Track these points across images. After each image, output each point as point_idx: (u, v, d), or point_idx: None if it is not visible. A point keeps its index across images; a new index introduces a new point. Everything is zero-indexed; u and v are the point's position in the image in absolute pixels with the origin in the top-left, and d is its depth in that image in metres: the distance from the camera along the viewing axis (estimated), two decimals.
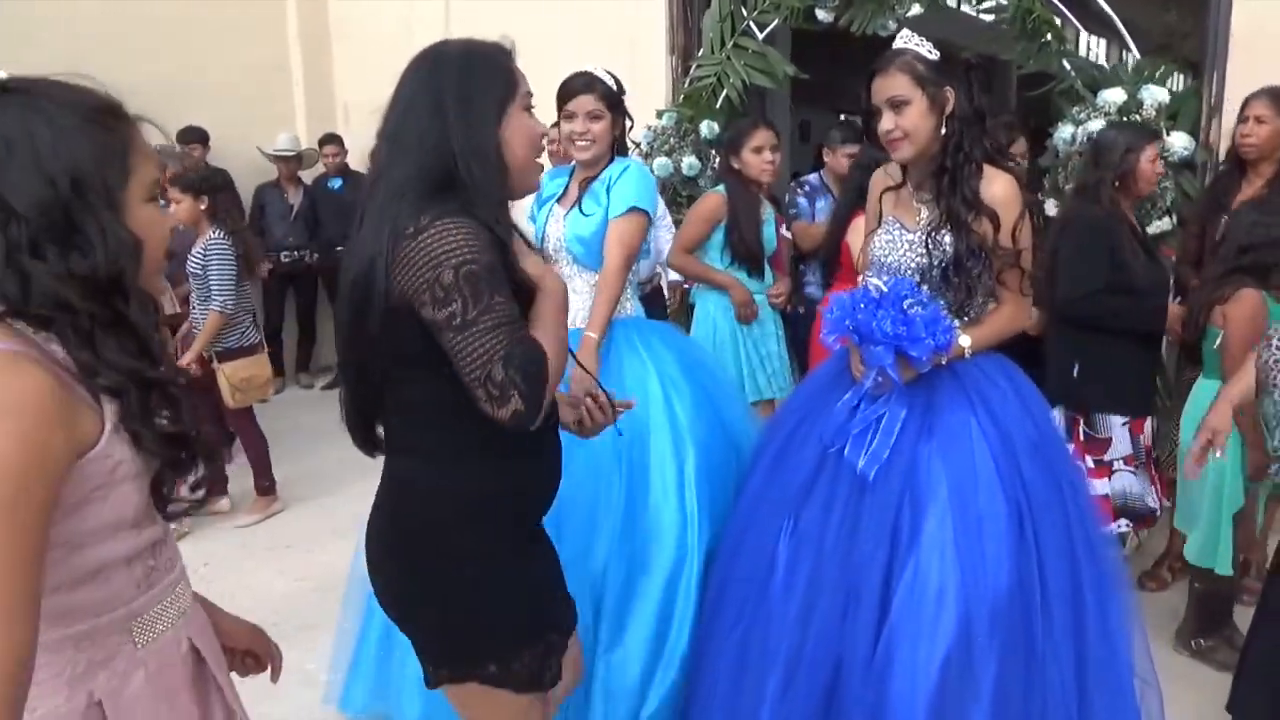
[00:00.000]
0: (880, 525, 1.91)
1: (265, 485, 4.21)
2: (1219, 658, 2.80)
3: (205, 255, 3.92)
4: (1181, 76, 4.08)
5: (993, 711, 1.75)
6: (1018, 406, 2.00)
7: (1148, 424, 2.94)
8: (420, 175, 1.35)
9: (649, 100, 4.84)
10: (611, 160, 2.50)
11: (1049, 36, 3.65)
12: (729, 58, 4.35)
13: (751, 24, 4.33)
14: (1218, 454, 2.13)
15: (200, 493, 1.17)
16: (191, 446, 1.06)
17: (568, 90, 2.46)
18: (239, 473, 4.28)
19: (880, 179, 2.21)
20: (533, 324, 1.37)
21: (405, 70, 1.49)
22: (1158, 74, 3.62)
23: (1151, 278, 2.89)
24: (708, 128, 4.42)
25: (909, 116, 1.94)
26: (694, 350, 2.65)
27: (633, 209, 2.38)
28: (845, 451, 1.97)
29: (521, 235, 1.46)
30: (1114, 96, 3.51)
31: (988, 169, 1.98)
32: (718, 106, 4.45)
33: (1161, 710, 2.01)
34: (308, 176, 6.23)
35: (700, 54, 4.57)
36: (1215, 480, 2.68)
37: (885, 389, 1.97)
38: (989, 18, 3.83)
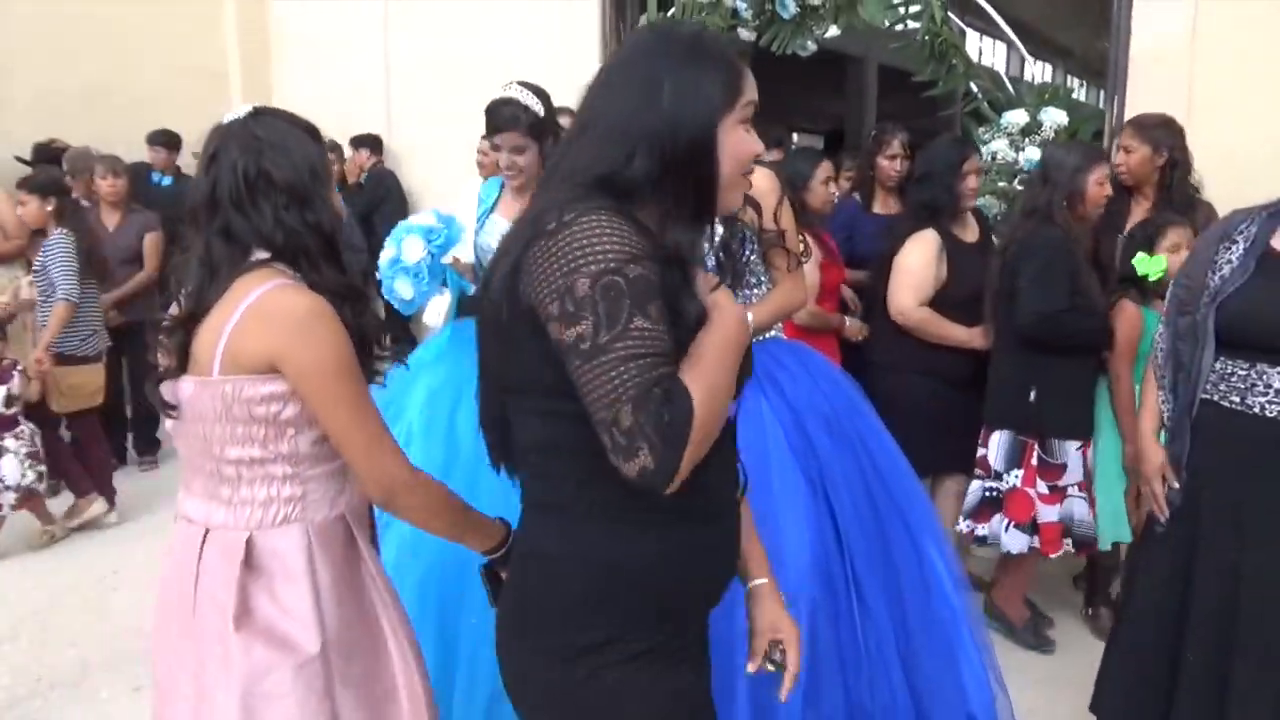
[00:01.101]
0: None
1: (86, 488, 4.13)
2: (1101, 625, 3.06)
3: (47, 251, 3.98)
4: (1099, 91, 4.21)
5: (809, 679, 1.79)
6: (807, 383, 2.09)
7: (1091, 446, 2.94)
8: (602, 165, 1.11)
9: None
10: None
11: (955, 60, 3.76)
12: None
13: None
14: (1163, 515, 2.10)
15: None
16: (368, 341, 1.44)
17: (494, 121, 2.46)
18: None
19: None
20: (689, 362, 1.06)
21: (623, 44, 1.27)
22: (1060, 94, 3.74)
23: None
24: None
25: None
26: None
27: None
28: None
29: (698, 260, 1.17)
30: (1016, 118, 3.63)
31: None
32: None
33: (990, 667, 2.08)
34: None
35: None
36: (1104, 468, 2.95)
37: None
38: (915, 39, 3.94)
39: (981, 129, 3.77)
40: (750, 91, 1.17)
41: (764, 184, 2.12)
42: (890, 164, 3.53)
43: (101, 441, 4.30)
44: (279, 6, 6.51)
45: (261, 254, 1.37)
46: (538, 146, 2.44)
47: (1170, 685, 2.01)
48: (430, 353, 2.63)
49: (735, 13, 4.08)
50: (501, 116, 2.42)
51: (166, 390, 1.38)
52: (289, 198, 1.37)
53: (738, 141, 1.15)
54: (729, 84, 1.14)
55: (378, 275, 2.57)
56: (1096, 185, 2.87)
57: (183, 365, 1.35)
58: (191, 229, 1.40)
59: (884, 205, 3.62)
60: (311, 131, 1.47)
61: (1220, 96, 3.47)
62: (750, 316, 2.03)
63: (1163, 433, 2.15)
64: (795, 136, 13.50)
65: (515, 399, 1.17)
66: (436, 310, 2.45)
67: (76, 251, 4.01)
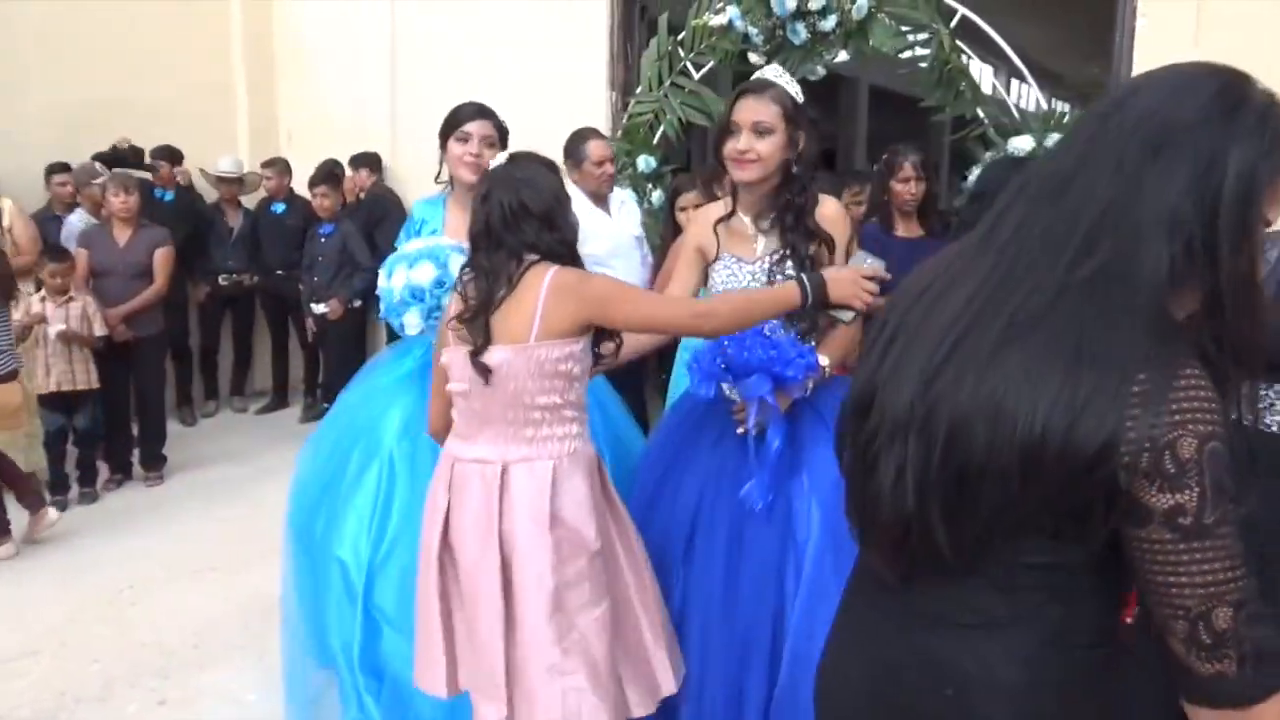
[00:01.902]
0: (764, 576, 1.97)
1: (34, 501, 4.09)
2: None
3: None
4: None
5: None
6: None
7: None
8: (1153, 270, 0.90)
9: None
10: None
11: (963, 85, 3.86)
12: (666, 95, 4.50)
13: (688, 64, 4.48)
14: None
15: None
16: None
17: (469, 111, 2.53)
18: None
19: (703, 209, 2.30)
20: None
21: (1130, 85, 1.02)
22: (1065, 121, 3.85)
23: None
24: (644, 162, 4.55)
25: (769, 144, 2.03)
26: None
27: None
28: (753, 498, 1.96)
29: None
30: (1023, 144, 3.73)
31: (820, 196, 2.13)
32: (655, 142, 4.59)
33: None
34: (254, 199, 6.22)
35: (639, 91, 4.71)
36: None
37: (766, 421, 1.98)
38: (922, 65, 4.03)
39: (988, 154, 3.86)
40: None
41: (835, 212, 2.13)
42: (905, 187, 3.55)
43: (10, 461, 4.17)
44: (285, 24, 6.56)
45: (531, 256, 1.80)
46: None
47: None
48: (394, 375, 2.56)
49: (747, 38, 4.16)
50: (477, 108, 2.54)
51: (461, 362, 1.80)
52: (540, 221, 1.80)
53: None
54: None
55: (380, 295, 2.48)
56: None
57: (486, 342, 1.76)
58: (474, 250, 1.84)
59: (906, 229, 3.63)
60: (550, 165, 1.90)
61: None
62: (826, 360, 2.03)
63: None
64: None
65: (1015, 524, 0.97)
66: (412, 325, 2.37)
67: None
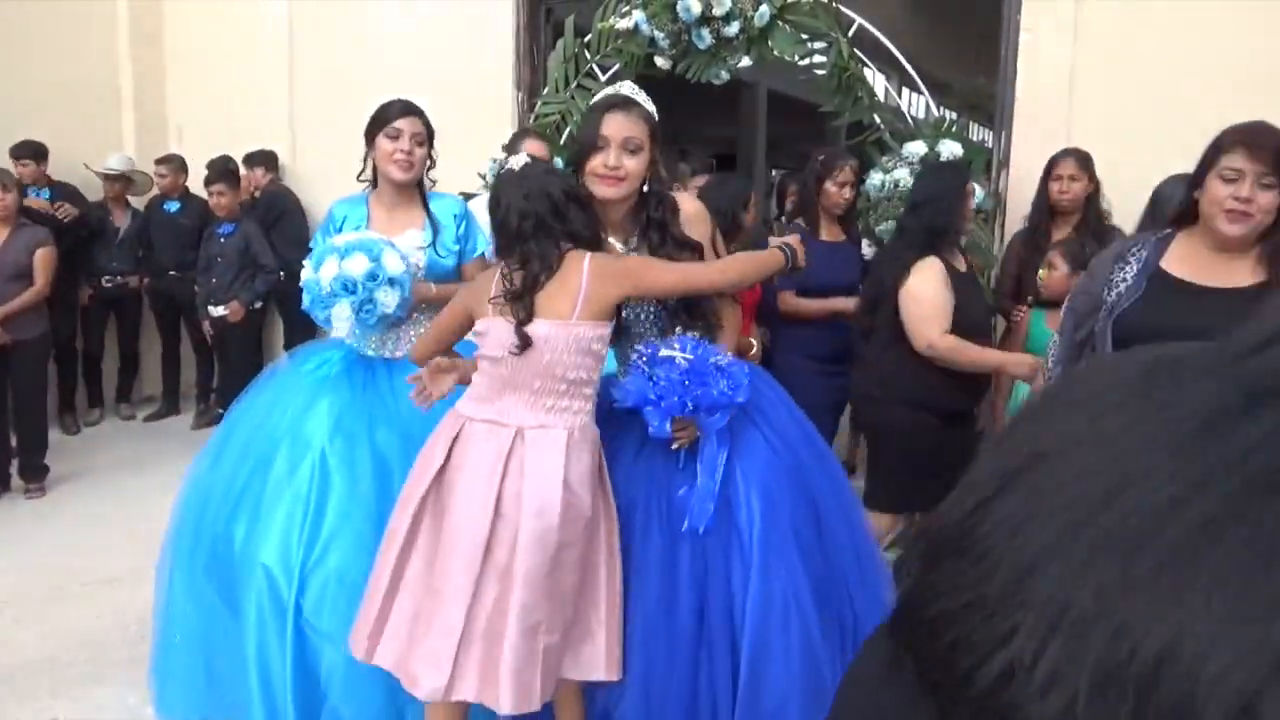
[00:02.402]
0: (708, 567, 2.02)
1: None
2: None
3: None
4: (988, 131, 4.54)
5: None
6: (784, 412, 2.23)
7: None
8: None
9: (495, 133, 4.95)
10: (423, 190, 2.65)
11: (861, 93, 4.01)
12: (573, 97, 4.52)
13: (595, 66, 4.51)
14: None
15: None
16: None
17: (398, 108, 2.53)
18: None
19: None
20: None
21: None
22: (954, 129, 4.04)
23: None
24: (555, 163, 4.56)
25: (638, 161, 2.03)
26: None
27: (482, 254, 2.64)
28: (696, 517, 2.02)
29: None
30: (916, 148, 3.89)
31: (674, 198, 2.16)
32: (563, 142, 4.61)
33: None
34: (143, 200, 5.96)
35: (545, 91, 4.72)
36: None
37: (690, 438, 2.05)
38: (819, 72, 4.17)
39: (884, 158, 4.02)
40: None
41: (693, 207, 2.16)
42: (839, 191, 3.61)
43: None
44: (176, 19, 6.31)
45: (567, 244, 1.99)
46: (427, 150, 2.57)
47: None
48: (317, 368, 2.50)
49: (653, 42, 4.22)
50: (406, 105, 2.55)
51: (503, 330, 1.94)
52: (582, 212, 2.03)
53: None
54: None
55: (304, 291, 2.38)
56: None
57: (529, 316, 1.92)
58: (520, 239, 1.98)
59: (830, 233, 3.72)
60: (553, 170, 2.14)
61: (1095, 132, 3.82)
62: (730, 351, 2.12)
63: None
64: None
65: None
66: (341, 318, 2.30)
67: None
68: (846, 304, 3.53)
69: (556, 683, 1.95)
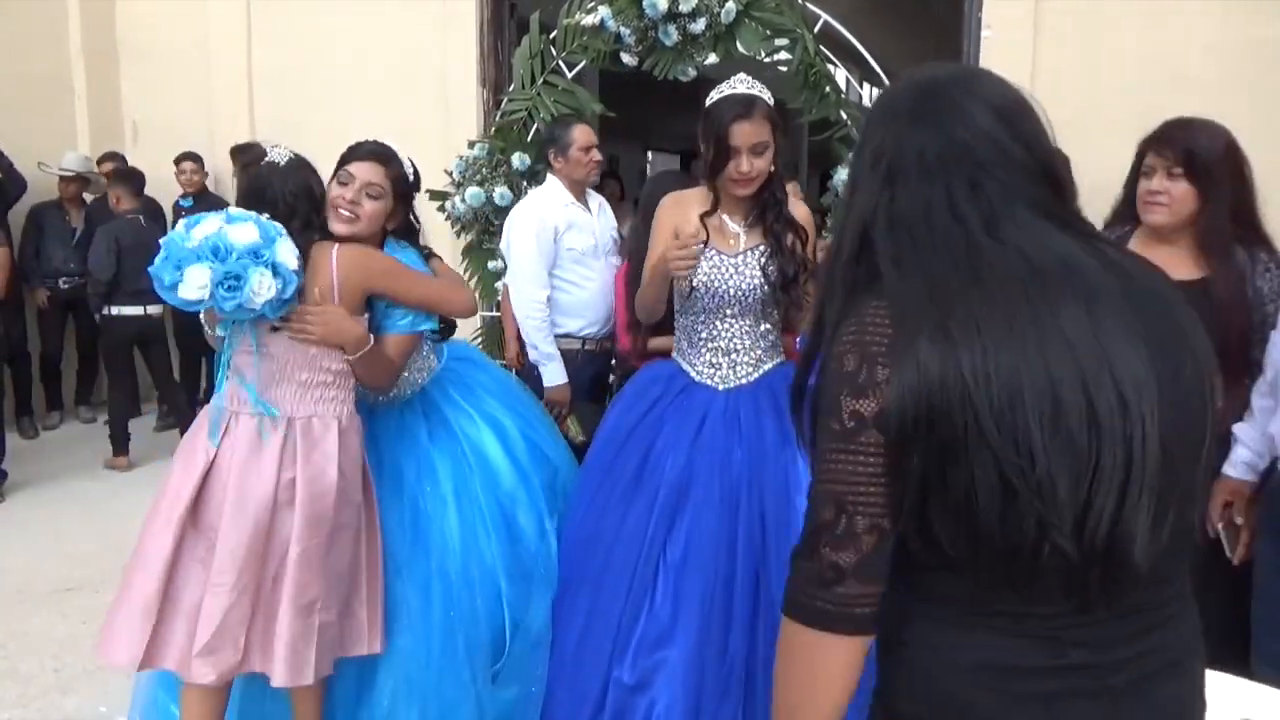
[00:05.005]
0: (773, 544, 2.12)
1: None
2: None
3: None
4: None
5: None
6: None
7: None
8: None
9: (460, 130, 4.92)
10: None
11: (828, 89, 4.03)
12: (539, 94, 4.49)
13: (561, 63, 4.49)
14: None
15: None
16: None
17: (361, 151, 2.19)
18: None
19: (678, 208, 2.31)
20: None
21: None
22: None
23: None
24: (519, 159, 4.53)
25: (766, 159, 2.18)
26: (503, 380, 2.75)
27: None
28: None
29: None
30: None
31: (790, 197, 2.32)
32: (529, 140, 4.58)
33: None
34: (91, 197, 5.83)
35: (511, 89, 4.69)
36: None
37: None
38: (783, 69, 4.19)
39: (850, 154, 4.04)
40: None
41: (805, 212, 2.32)
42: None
43: None
44: (129, 15, 6.18)
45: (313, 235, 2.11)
46: (387, 205, 2.18)
47: None
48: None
49: (619, 38, 4.21)
50: (366, 148, 2.19)
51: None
52: (298, 205, 2.11)
53: None
54: None
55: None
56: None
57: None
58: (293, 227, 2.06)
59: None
60: (309, 166, 2.19)
61: (1056, 128, 3.87)
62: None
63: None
64: (650, 155, 13.81)
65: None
66: (194, 284, 1.89)
67: None
68: None
69: (333, 661, 2.06)
